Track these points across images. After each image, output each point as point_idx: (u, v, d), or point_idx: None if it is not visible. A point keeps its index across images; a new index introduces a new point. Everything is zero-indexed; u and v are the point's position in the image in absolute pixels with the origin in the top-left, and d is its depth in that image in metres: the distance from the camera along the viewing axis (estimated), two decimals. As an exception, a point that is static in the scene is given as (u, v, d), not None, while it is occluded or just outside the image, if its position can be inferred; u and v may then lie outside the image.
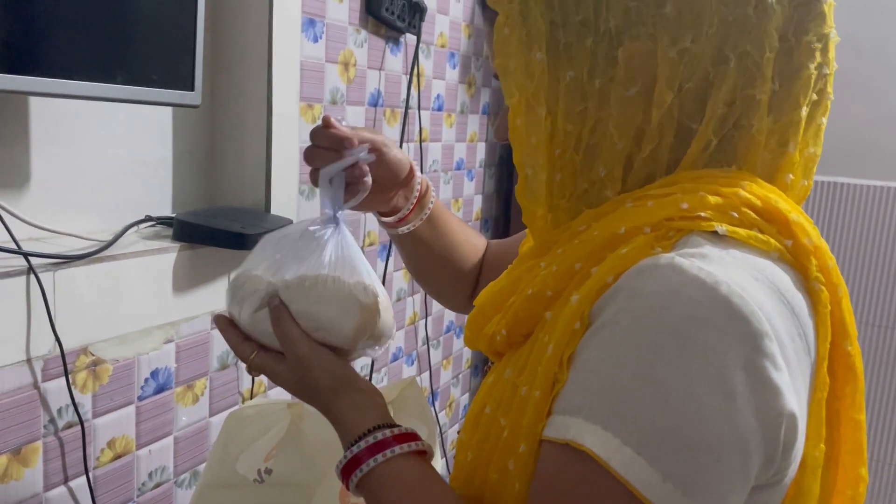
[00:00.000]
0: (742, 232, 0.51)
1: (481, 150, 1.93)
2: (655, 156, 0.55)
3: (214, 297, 1.05)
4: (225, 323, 0.68)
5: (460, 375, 1.97)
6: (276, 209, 1.15)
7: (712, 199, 0.51)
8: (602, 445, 0.44)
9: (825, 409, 0.52)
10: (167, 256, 0.96)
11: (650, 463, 0.43)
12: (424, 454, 0.60)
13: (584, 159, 0.56)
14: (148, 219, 1.02)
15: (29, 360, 0.81)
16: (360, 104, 1.37)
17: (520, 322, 0.57)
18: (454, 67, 1.72)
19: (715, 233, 0.50)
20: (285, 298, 0.65)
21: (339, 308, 0.65)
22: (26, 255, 0.78)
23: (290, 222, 1.11)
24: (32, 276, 0.79)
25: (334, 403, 0.63)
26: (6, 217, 0.79)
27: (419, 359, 1.73)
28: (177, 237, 0.99)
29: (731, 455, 0.44)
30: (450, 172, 1.78)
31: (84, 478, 0.90)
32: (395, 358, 1.62)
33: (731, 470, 0.44)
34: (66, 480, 0.88)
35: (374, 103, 1.42)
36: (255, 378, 1.16)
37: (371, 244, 1.48)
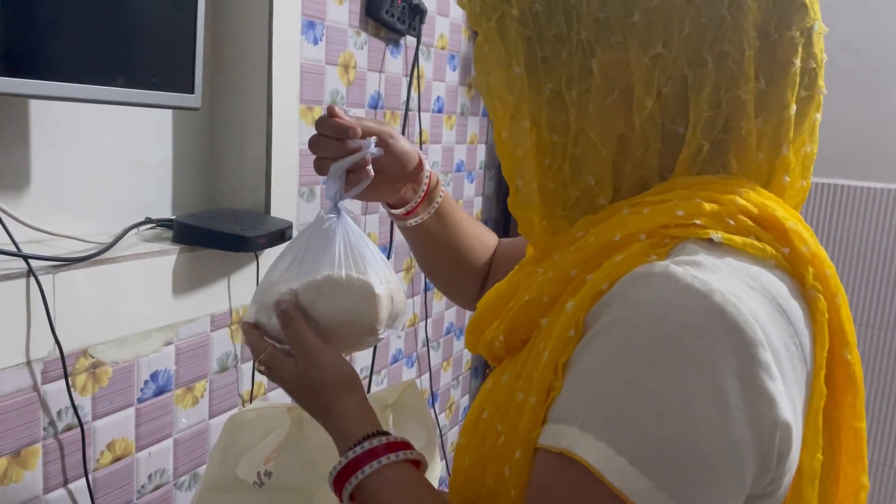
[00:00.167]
0: (738, 239, 0.50)
1: (481, 152, 1.93)
2: (645, 162, 0.55)
3: (214, 299, 1.06)
4: (248, 326, 0.71)
5: (460, 377, 1.97)
6: (275, 211, 1.15)
7: (708, 206, 0.51)
8: (596, 455, 0.44)
9: (824, 418, 0.52)
10: (167, 258, 0.96)
11: (644, 473, 0.43)
12: (418, 464, 0.60)
13: (572, 168, 0.56)
14: (148, 221, 1.02)
15: (29, 363, 0.81)
16: (361, 106, 1.37)
17: (517, 328, 0.57)
18: (454, 69, 1.73)
19: (710, 240, 0.50)
20: (305, 302, 0.68)
21: (358, 302, 0.69)
22: (26, 258, 0.78)
23: (290, 224, 1.11)
24: (32, 279, 0.79)
25: (337, 401, 0.63)
26: (6, 219, 0.79)
27: (419, 360, 1.73)
28: (177, 239, 0.99)
29: (726, 464, 0.44)
30: (450, 174, 1.78)
31: (84, 480, 0.90)
32: (395, 360, 1.62)
33: (725, 479, 0.44)
34: (65, 483, 0.88)
35: (375, 105, 1.42)
36: (255, 380, 1.16)
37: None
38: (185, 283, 0.99)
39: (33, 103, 0.88)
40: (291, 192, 1.19)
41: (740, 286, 0.47)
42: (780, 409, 0.46)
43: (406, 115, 1.51)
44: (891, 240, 1.97)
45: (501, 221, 2.11)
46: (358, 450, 0.59)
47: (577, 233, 0.56)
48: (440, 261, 0.89)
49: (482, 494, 0.54)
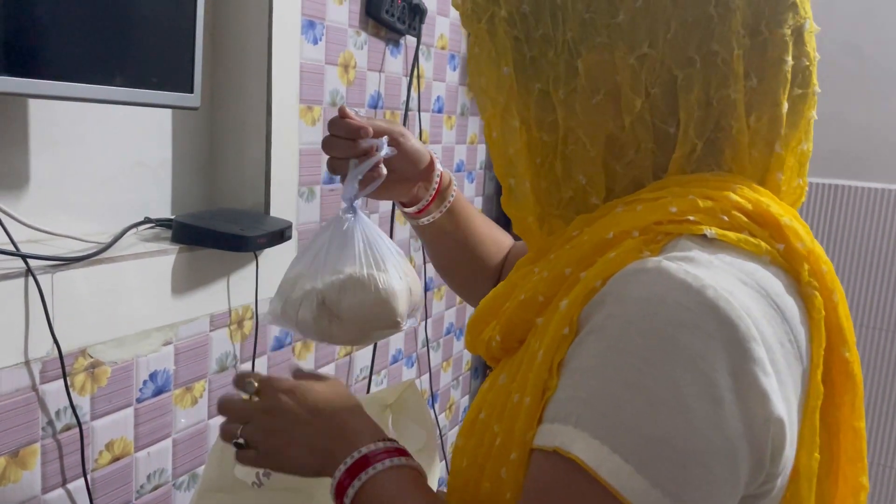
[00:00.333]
0: (732, 235, 0.50)
1: (481, 152, 1.93)
2: (638, 162, 0.55)
3: (213, 299, 1.05)
4: (227, 399, 0.68)
5: (460, 378, 1.97)
6: (275, 211, 1.15)
7: (702, 202, 0.51)
8: (590, 453, 0.44)
9: (822, 418, 0.51)
10: (166, 258, 0.96)
11: (638, 471, 0.43)
12: (415, 470, 0.60)
13: (563, 167, 0.57)
14: (147, 221, 1.02)
15: (27, 363, 0.81)
16: (360, 106, 1.37)
17: (513, 328, 0.57)
18: (454, 69, 1.72)
19: (704, 236, 0.50)
20: (330, 300, 0.73)
21: (380, 298, 0.73)
22: (25, 257, 0.78)
23: (290, 224, 1.11)
24: (31, 278, 0.78)
25: (340, 413, 0.63)
26: (5, 219, 0.79)
27: (419, 361, 1.73)
28: (176, 239, 0.99)
29: (720, 461, 0.44)
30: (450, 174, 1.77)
31: (82, 480, 0.89)
32: (395, 360, 1.62)
33: (719, 476, 0.44)
34: (64, 483, 0.88)
35: (374, 105, 1.42)
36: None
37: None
38: (185, 282, 0.99)
39: (33, 103, 0.88)
40: (291, 192, 1.19)
41: (734, 282, 0.47)
42: (774, 405, 0.46)
43: (406, 115, 1.51)
44: (891, 240, 1.97)
45: (501, 221, 2.10)
46: (364, 449, 0.59)
47: (572, 232, 0.56)
48: (453, 260, 0.90)
49: (479, 496, 0.54)
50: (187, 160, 1.13)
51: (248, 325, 1.14)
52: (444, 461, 1.90)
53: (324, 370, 1.36)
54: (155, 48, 0.87)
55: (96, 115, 0.97)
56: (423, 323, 1.72)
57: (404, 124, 1.51)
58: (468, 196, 1.89)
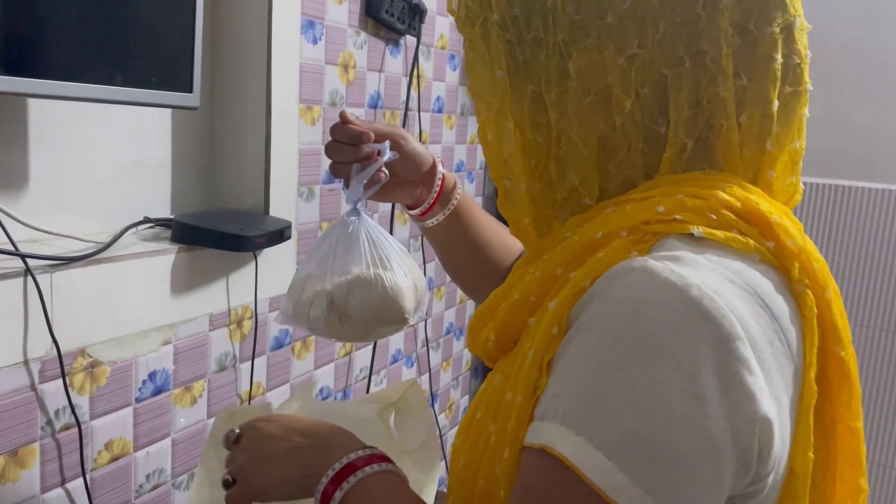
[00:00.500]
0: (720, 234, 0.50)
1: (481, 152, 1.93)
2: (629, 162, 0.55)
3: (213, 298, 1.05)
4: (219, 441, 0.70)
5: (460, 377, 1.97)
6: (275, 211, 1.15)
7: (690, 201, 0.51)
8: (574, 450, 0.44)
9: (817, 417, 0.51)
10: (165, 258, 0.96)
11: (621, 468, 0.43)
12: (398, 476, 0.60)
13: (558, 168, 0.57)
14: (146, 220, 1.02)
15: (26, 362, 0.81)
16: (360, 106, 1.37)
17: (507, 328, 0.57)
18: (454, 69, 1.72)
19: (691, 235, 0.50)
20: (339, 301, 0.75)
21: (387, 297, 0.76)
22: (24, 257, 0.78)
23: (289, 224, 1.11)
24: (30, 278, 0.78)
25: (318, 426, 0.64)
26: (4, 219, 0.79)
27: (419, 361, 1.73)
28: (175, 239, 0.99)
29: (703, 460, 0.44)
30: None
31: (81, 480, 0.89)
32: (395, 360, 1.61)
33: (702, 475, 0.44)
34: (63, 482, 0.88)
35: (374, 105, 1.42)
36: (254, 380, 1.16)
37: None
38: (184, 282, 0.99)
39: (32, 102, 0.88)
40: (290, 191, 1.19)
41: (720, 280, 0.47)
42: (760, 404, 0.45)
43: (406, 115, 1.51)
44: (891, 241, 1.97)
45: (501, 221, 2.10)
46: (352, 455, 0.59)
47: (565, 233, 0.56)
48: (461, 262, 0.91)
49: (475, 495, 0.54)
50: (187, 160, 1.13)
51: (248, 324, 1.15)
52: (444, 461, 1.90)
53: (324, 370, 1.36)
54: (154, 48, 0.87)
55: (96, 114, 0.97)
56: (423, 323, 1.72)
57: (404, 124, 1.51)
58: (468, 196, 1.89)
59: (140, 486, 0.99)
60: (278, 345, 1.23)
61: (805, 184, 0.61)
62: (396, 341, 1.61)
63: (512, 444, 0.50)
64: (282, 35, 1.12)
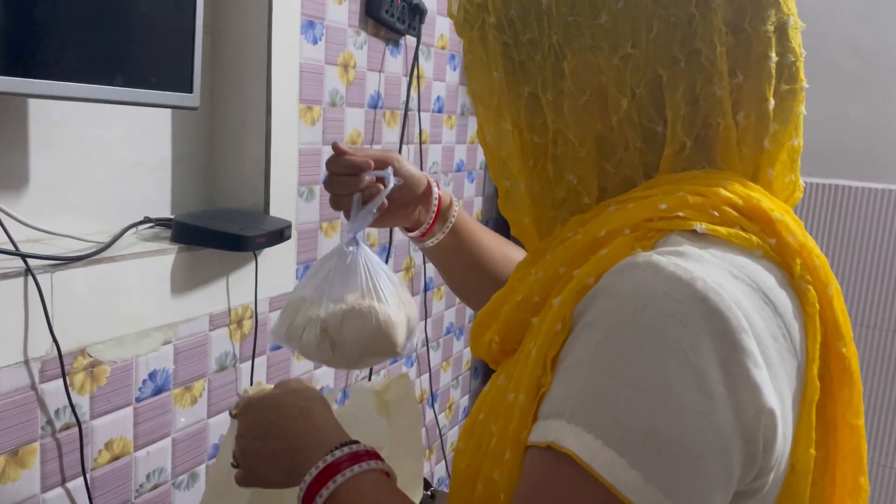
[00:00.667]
0: (722, 230, 0.51)
1: (481, 152, 1.93)
2: (627, 161, 0.55)
3: (213, 298, 1.06)
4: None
5: (460, 377, 1.97)
6: (275, 211, 1.15)
7: (692, 198, 0.52)
8: (583, 447, 0.44)
9: (818, 414, 0.51)
10: (166, 258, 0.96)
11: (631, 464, 0.43)
12: (384, 472, 0.60)
13: (555, 168, 0.57)
14: (146, 220, 1.02)
15: (26, 362, 0.81)
16: (360, 106, 1.37)
17: (511, 329, 0.57)
18: (454, 69, 1.72)
19: (694, 231, 0.50)
20: (332, 329, 0.76)
21: (379, 329, 0.77)
22: (24, 257, 0.78)
23: (289, 224, 1.11)
24: (30, 278, 0.79)
25: (315, 410, 0.65)
26: (4, 218, 0.79)
27: (419, 360, 1.73)
28: (175, 239, 0.99)
29: (712, 454, 0.44)
30: (450, 174, 1.78)
31: (81, 479, 0.90)
32: (394, 360, 1.62)
33: (712, 469, 0.44)
34: (63, 482, 0.88)
35: (374, 105, 1.42)
36: (255, 379, 1.16)
37: (371, 245, 1.48)
38: (184, 282, 0.99)
39: (32, 103, 0.88)
40: (290, 191, 1.19)
41: (724, 275, 0.47)
42: (765, 397, 0.46)
43: (406, 115, 1.51)
44: (892, 241, 1.96)
45: (502, 221, 2.11)
46: (337, 453, 0.59)
47: (567, 233, 0.57)
48: (464, 279, 0.91)
49: (474, 499, 0.54)
50: (187, 160, 1.13)
51: (248, 324, 1.15)
52: (443, 461, 1.90)
53: (324, 370, 1.36)
54: (154, 48, 0.87)
55: (96, 114, 0.97)
56: (424, 323, 1.72)
57: (404, 124, 1.51)
58: (468, 196, 1.89)
59: (140, 485, 0.99)
60: (278, 345, 1.23)
61: (805, 184, 0.61)
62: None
63: (513, 444, 0.50)
64: (282, 35, 1.12)
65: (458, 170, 1.82)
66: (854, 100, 2.00)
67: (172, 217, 1.02)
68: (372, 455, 0.60)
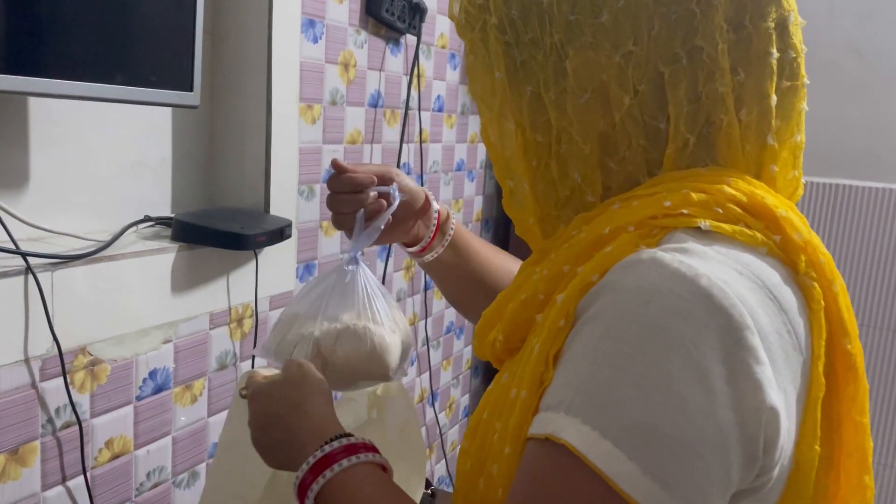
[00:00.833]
0: (727, 227, 0.51)
1: (482, 151, 1.93)
2: (630, 158, 0.56)
3: (213, 297, 1.06)
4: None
5: (460, 376, 1.97)
6: (275, 210, 1.15)
7: (696, 196, 0.52)
8: (581, 439, 0.44)
9: (823, 411, 0.51)
10: (166, 257, 0.96)
11: (629, 456, 0.43)
12: (379, 465, 0.61)
13: (559, 166, 0.58)
14: (147, 219, 1.02)
15: (27, 360, 0.81)
16: (360, 105, 1.37)
17: (515, 327, 0.58)
18: (455, 68, 1.72)
19: (699, 228, 0.51)
20: (325, 348, 0.75)
21: (372, 351, 0.75)
22: (24, 255, 0.78)
23: (289, 223, 1.12)
24: (31, 276, 0.79)
25: (313, 399, 0.66)
26: (5, 217, 0.79)
27: (419, 359, 1.73)
28: (176, 237, 0.99)
29: (711, 449, 0.44)
30: (450, 173, 1.78)
31: (82, 478, 0.90)
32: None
33: (710, 464, 0.44)
34: (63, 480, 0.88)
35: (374, 104, 1.42)
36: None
37: (370, 247, 1.48)
38: (184, 281, 0.99)
39: (32, 101, 0.88)
40: (291, 190, 1.19)
41: (729, 272, 0.48)
42: (767, 394, 0.45)
43: (406, 114, 1.51)
44: (892, 240, 1.96)
45: (502, 221, 2.11)
46: (335, 444, 0.60)
47: (571, 231, 0.57)
48: (464, 293, 0.91)
49: (476, 498, 0.54)
50: (187, 159, 1.13)
51: (248, 323, 1.15)
52: (444, 460, 1.90)
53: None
54: (155, 46, 0.87)
55: (96, 113, 0.97)
56: (424, 322, 1.72)
57: (404, 123, 1.51)
58: (468, 195, 1.89)
59: (140, 484, 0.99)
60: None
61: (806, 183, 0.61)
62: (397, 340, 1.61)
63: (513, 439, 0.50)
64: (282, 34, 1.12)
65: (459, 169, 1.81)
66: (854, 99, 2.00)
67: (173, 216, 1.02)
68: (369, 448, 0.60)
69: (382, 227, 0.77)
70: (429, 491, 1.30)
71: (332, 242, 1.33)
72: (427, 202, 0.85)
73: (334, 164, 0.77)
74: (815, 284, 0.52)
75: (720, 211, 0.51)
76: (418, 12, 1.46)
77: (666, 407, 0.44)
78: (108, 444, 0.93)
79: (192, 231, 0.99)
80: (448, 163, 1.75)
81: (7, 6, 0.70)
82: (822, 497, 0.54)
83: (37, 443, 0.84)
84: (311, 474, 0.59)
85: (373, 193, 0.77)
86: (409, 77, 1.51)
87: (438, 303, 1.79)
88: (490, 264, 0.90)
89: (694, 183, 0.53)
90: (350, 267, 0.77)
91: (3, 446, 0.80)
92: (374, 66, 1.40)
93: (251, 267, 1.11)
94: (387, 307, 0.79)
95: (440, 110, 1.68)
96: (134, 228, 0.99)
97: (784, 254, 0.52)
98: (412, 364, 1.69)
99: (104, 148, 0.99)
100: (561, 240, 0.57)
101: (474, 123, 1.86)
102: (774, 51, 0.54)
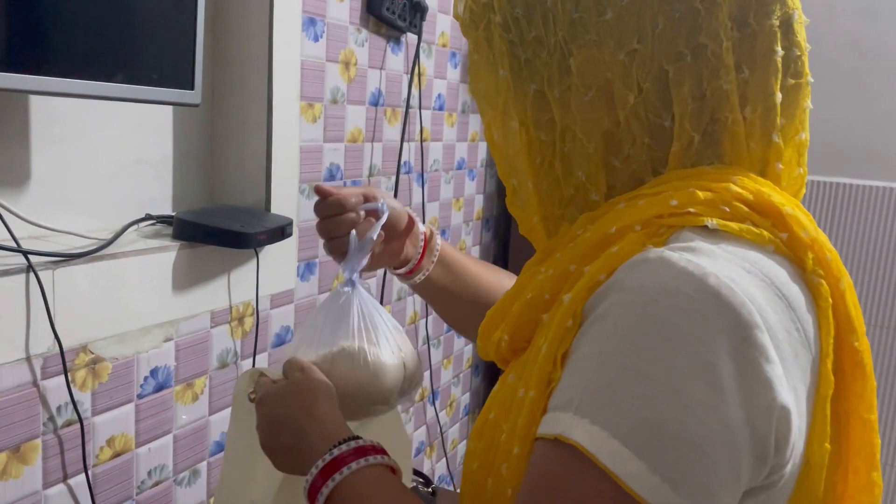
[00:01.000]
0: (734, 225, 0.51)
1: (482, 150, 1.93)
2: (635, 157, 0.56)
3: (214, 295, 1.06)
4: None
5: (461, 375, 1.97)
6: (276, 208, 1.15)
7: (702, 194, 0.52)
8: (590, 438, 0.44)
9: (831, 408, 0.51)
10: (167, 255, 0.96)
11: (638, 455, 0.43)
12: (388, 467, 0.61)
13: (563, 165, 0.58)
14: (148, 217, 1.02)
15: (28, 358, 0.81)
16: (361, 104, 1.37)
17: (521, 327, 0.58)
18: (455, 67, 1.72)
19: (706, 227, 0.50)
20: (323, 372, 0.73)
21: (370, 372, 0.74)
22: (26, 254, 0.78)
23: (290, 221, 1.12)
24: (32, 275, 0.79)
25: (321, 405, 0.66)
26: (6, 215, 0.80)
27: (419, 359, 1.73)
28: (177, 236, 0.99)
29: (719, 448, 0.44)
30: (451, 172, 1.78)
31: (83, 476, 0.90)
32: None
33: (718, 462, 0.44)
34: (65, 478, 0.88)
35: (375, 103, 1.42)
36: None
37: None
38: (185, 279, 0.99)
39: (34, 99, 0.88)
40: (292, 188, 1.19)
41: (737, 270, 0.47)
42: (777, 393, 0.45)
43: (407, 113, 1.51)
44: (893, 239, 1.96)
45: (502, 220, 2.11)
46: (344, 447, 0.60)
47: (576, 230, 0.57)
48: (458, 310, 0.91)
49: (485, 496, 0.54)
50: (188, 157, 1.13)
51: (249, 321, 1.15)
52: (444, 458, 1.90)
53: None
54: (156, 45, 0.87)
55: (97, 111, 0.97)
56: (424, 320, 1.73)
57: (405, 121, 1.51)
58: (469, 194, 1.89)
59: (142, 482, 0.99)
60: (280, 341, 1.23)
61: (807, 181, 0.61)
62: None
63: (522, 439, 0.50)
64: (283, 32, 1.12)
65: (459, 167, 1.81)
66: (855, 97, 2.00)
67: (174, 214, 1.02)
68: (378, 450, 0.61)
69: (374, 237, 0.76)
70: (429, 489, 1.30)
71: (332, 241, 1.33)
72: (411, 221, 0.85)
73: (318, 189, 0.77)
74: (823, 282, 0.52)
75: (727, 209, 0.51)
76: (419, 11, 1.46)
77: (674, 405, 0.43)
78: (110, 442, 0.94)
79: (193, 229, 0.99)
80: (449, 161, 1.75)
81: (8, 5, 0.70)
82: (832, 494, 0.54)
83: (38, 441, 0.84)
84: (322, 477, 0.59)
85: (362, 212, 0.77)
86: (409, 75, 1.51)
87: (439, 301, 1.79)
88: (482, 280, 0.89)
89: (700, 181, 0.53)
90: (346, 289, 0.76)
91: (5, 444, 0.81)
92: (375, 65, 1.40)
93: (252, 265, 1.11)
94: (388, 330, 0.78)
95: (441, 109, 1.68)
96: (135, 227, 0.99)
97: (791, 251, 0.52)
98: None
99: (105, 146, 0.99)
100: (566, 239, 0.57)
101: (475, 122, 1.86)
102: (779, 48, 0.54)
